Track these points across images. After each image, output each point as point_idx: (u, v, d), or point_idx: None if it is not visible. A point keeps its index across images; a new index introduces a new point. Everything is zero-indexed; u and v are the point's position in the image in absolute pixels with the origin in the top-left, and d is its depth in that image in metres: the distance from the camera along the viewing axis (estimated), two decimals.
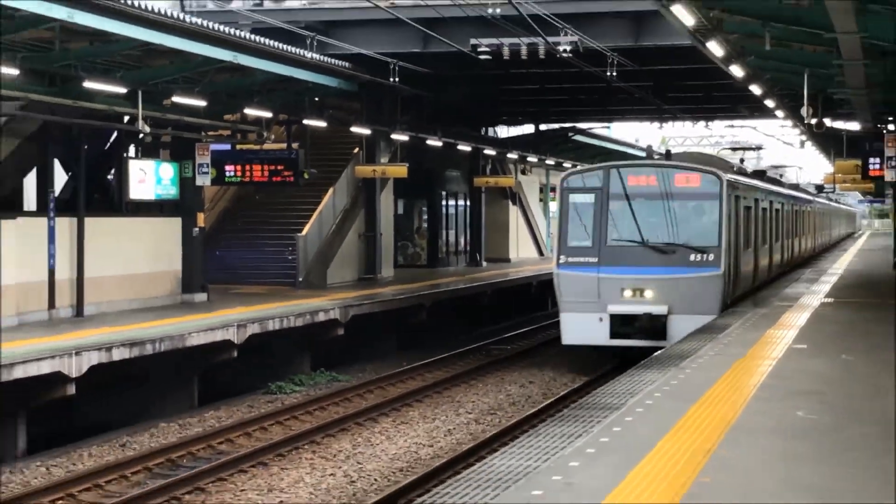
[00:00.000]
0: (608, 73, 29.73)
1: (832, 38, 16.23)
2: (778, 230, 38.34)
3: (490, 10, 25.95)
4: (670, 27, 20.40)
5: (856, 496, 9.35)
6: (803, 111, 24.78)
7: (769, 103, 30.55)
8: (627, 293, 23.96)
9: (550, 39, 26.46)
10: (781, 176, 60.23)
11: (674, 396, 14.07)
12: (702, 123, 51.64)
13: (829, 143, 43.31)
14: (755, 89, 26.63)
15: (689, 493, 9.40)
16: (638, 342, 23.41)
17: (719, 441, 11.39)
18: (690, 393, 14.28)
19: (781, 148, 60.22)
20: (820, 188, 72.51)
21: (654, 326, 23.54)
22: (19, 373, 17.57)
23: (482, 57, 27.54)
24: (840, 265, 49.20)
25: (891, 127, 24.75)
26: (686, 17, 16.39)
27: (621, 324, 23.84)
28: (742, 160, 44.37)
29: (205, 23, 23.63)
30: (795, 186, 57.58)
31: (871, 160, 30.84)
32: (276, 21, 28.79)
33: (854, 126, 33.04)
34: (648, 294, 23.83)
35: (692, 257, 23.91)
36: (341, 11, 29.42)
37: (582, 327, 24.21)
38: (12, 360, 17.61)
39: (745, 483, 9.77)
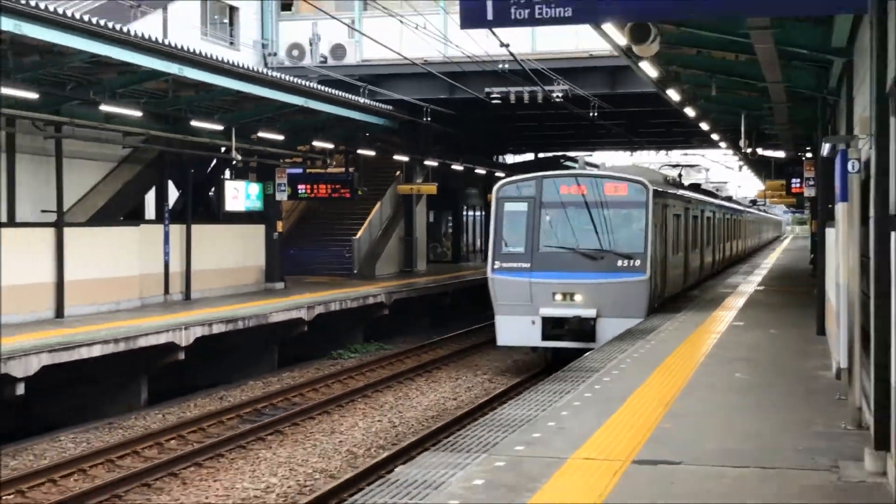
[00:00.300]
0: (591, 114, 29.77)
1: (763, 86, 16.24)
2: (710, 235, 34.21)
3: (500, 66, 25.96)
4: (639, 78, 20.39)
5: (779, 436, 9.43)
6: (741, 143, 24.75)
7: (715, 136, 30.44)
8: (558, 297, 20.18)
9: (546, 88, 26.51)
10: (718, 190, 58.09)
11: (641, 362, 14.14)
12: (663, 152, 51.48)
13: (760, 167, 43.11)
14: (704, 125, 26.55)
15: (653, 435, 9.50)
16: (568, 344, 19.94)
17: (676, 396, 11.47)
18: (654, 359, 14.34)
19: (724, 171, 59.83)
20: (754, 202, 72.64)
21: (584, 329, 19.88)
22: (143, 342, 17.74)
23: (494, 101, 27.60)
24: (769, 261, 49.05)
25: (808, 154, 24.72)
26: (651, 70, 16.40)
27: (552, 326, 20.11)
28: (680, 175, 41.13)
29: (283, 76, 23.78)
30: (729, 198, 55.62)
31: (794, 180, 30.91)
32: (336, 74, 28.93)
33: (780, 154, 32.94)
34: (578, 298, 20.08)
35: (619, 263, 20.21)
36: (386, 66, 29.44)
37: (516, 329, 20.48)
38: (138, 332, 17.78)
39: (696, 428, 9.87)
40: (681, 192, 27.32)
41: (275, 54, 31.59)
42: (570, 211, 20.86)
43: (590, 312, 19.88)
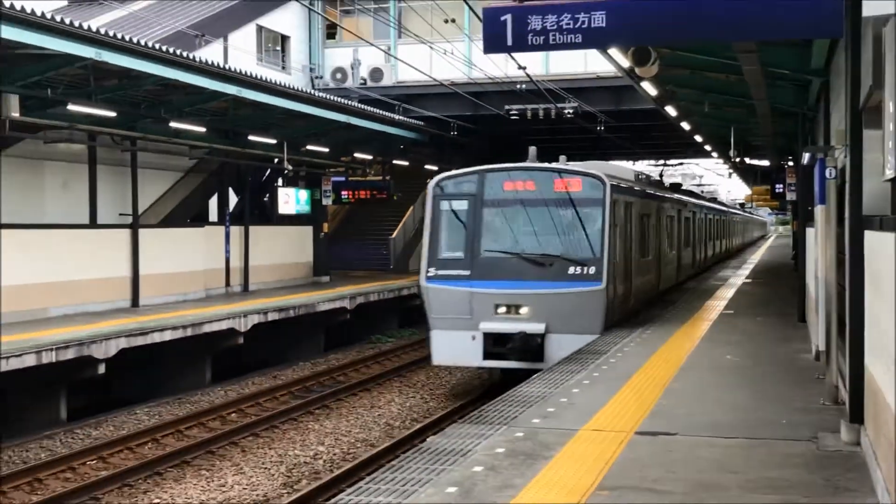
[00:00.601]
0: (598, 127, 29.67)
1: (750, 103, 16.17)
2: (692, 235, 29.24)
3: (518, 86, 25.95)
4: (640, 96, 20.32)
5: (764, 410, 9.41)
6: (730, 153, 24.68)
7: (707, 147, 30.31)
8: (501, 310, 15.38)
9: (559, 105, 26.44)
10: (703, 191, 54.45)
11: (643, 345, 14.11)
12: (662, 161, 51.22)
13: (748, 174, 42.85)
14: (698, 137, 26.46)
15: (653, 410, 9.49)
16: (512, 364, 15.23)
17: (673, 376, 11.44)
18: (654, 344, 14.30)
19: (716, 177, 59.50)
20: (742, 205, 72.46)
21: (530, 347, 15.08)
22: (207, 328, 17.85)
23: (512, 117, 27.55)
24: (756, 257, 48.80)
25: (790, 163, 24.58)
26: (651, 89, 16.36)
27: (495, 343, 15.25)
28: (661, 174, 36.09)
29: (328, 96, 23.85)
30: (714, 199, 52.12)
31: (777, 185, 30.65)
32: (374, 95, 28.98)
33: (765, 162, 32.75)
34: (524, 311, 15.29)
35: (571, 270, 15.33)
36: (418, 87, 29.41)
37: (453, 346, 15.64)
38: (203, 320, 17.89)
39: (690, 403, 9.85)
40: (653, 190, 22.15)
41: (321, 77, 31.70)
42: (517, 210, 16.05)
43: (537, 327, 15.19)
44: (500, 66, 25.75)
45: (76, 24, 14.54)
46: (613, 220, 15.97)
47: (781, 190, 27.91)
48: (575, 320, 15.19)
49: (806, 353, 13.10)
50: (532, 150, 17.73)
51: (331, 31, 32.70)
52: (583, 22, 6.46)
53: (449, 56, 25.72)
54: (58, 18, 14.08)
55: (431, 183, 16.51)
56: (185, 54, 17.42)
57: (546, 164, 17.03)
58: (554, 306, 15.31)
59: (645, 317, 18.02)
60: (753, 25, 6.19)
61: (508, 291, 15.54)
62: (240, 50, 28.45)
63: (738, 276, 30.77)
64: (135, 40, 15.93)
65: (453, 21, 27.77)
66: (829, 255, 10.61)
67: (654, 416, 9.14)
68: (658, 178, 31.34)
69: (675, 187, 31.75)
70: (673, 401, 9.86)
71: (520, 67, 20.54)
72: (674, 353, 13.21)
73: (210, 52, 25.32)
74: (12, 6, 13.20)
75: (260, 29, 30.55)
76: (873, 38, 7.21)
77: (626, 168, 20.90)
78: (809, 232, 15.00)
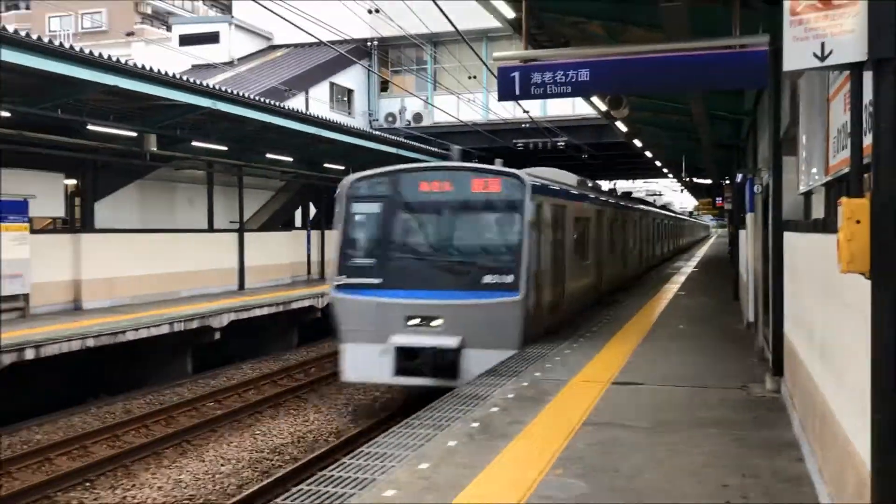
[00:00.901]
0: (583, 155, 29.53)
1: (697, 137, 16.06)
2: (638, 238, 23.85)
3: (523, 125, 25.91)
4: (615, 132, 20.23)
5: (707, 366, 9.35)
6: (682, 174, 24.48)
7: (665, 170, 30.11)
8: (413, 322, 10.91)
9: (553, 139, 26.41)
10: (655, 199, 48.80)
11: (616, 319, 13.98)
12: (631, 181, 50.89)
13: (695, 189, 42.45)
14: (658, 162, 26.29)
15: (627, 362, 9.45)
16: (425, 381, 10.74)
17: (640, 340, 11.38)
18: (626, 317, 14.18)
19: (671, 192, 59.00)
20: (691, 213, 72.02)
21: (443, 362, 10.71)
22: (294, 306, 17.97)
23: (519, 148, 27.50)
24: (702, 252, 48.32)
25: (727, 181, 24.38)
26: (622, 127, 16.26)
27: (406, 358, 10.87)
28: (615, 184, 31.65)
29: (382, 134, 23.93)
30: (664, 206, 46.82)
31: (717, 198, 30.41)
32: (416, 133, 29.03)
33: (708, 181, 32.44)
34: (437, 323, 10.82)
35: (487, 279, 10.84)
36: (448, 127, 29.34)
37: (363, 361, 11.21)
38: (290, 300, 17.99)
39: (654, 359, 9.79)
40: (595, 195, 16.94)
41: (377, 120, 31.76)
42: (432, 213, 11.51)
43: (450, 342, 10.76)
44: (510, 111, 25.73)
45: (198, 82, 14.73)
46: (538, 224, 11.29)
47: (720, 201, 27.69)
48: (490, 334, 10.64)
49: (739, 323, 12.99)
50: (455, 149, 12.77)
51: (384, 86, 32.79)
52: (572, 77, 6.48)
53: (471, 103, 25.73)
54: (185, 78, 14.27)
55: (343, 184, 11.73)
56: (277, 104, 17.55)
57: (464, 164, 12.04)
58: (469, 318, 10.72)
59: (609, 300, 17.35)
60: (699, 81, 6.18)
61: (420, 301, 10.89)
62: (317, 101, 28.59)
63: (688, 266, 30.52)
64: (241, 94, 16.06)
65: (474, 77, 27.81)
66: (756, 250, 10.53)
67: (625, 371, 9.10)
68: (612, 188, 26.23)
69: (626, 196, 27.12)
70: (636, 362, 9.79)
71: (524, 111, 20.53)
72: (638, 327, 13.10)
73: (295, 103, 25.48)
74: (158, 71, 13.43)
75: (332, 85, 30.68)
76: (791, 87, 7.16)
77: (568, 175, 16.37)
78: (742, 233, 14.88)
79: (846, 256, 3.20)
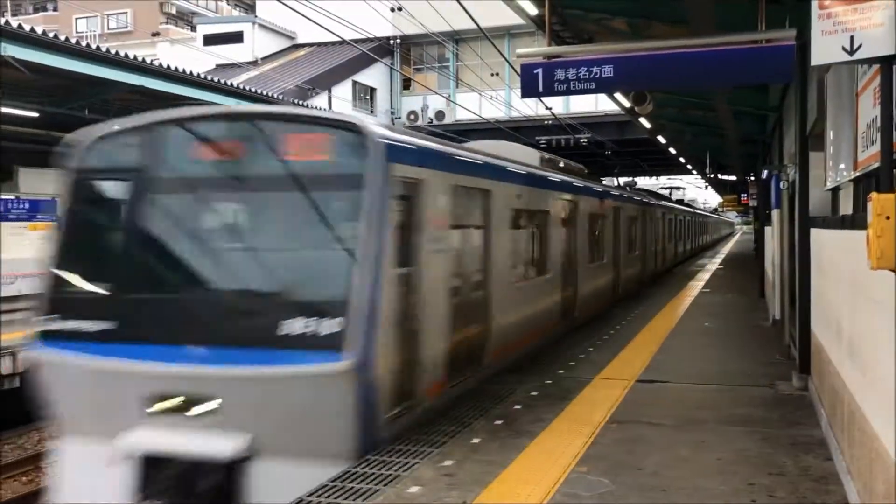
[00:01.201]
0: (606, 152, 29.37)
1: (722, 133, 15.93)
2: (646, 237, 19.34)
3: (546, 122, 25.85)
4: (638, 128, 20.11)
5: (733, 364, 9.29)
6: (707, 170, 24.28)
7: (689, 166, 29.89)
8: (163, 405, 4.74)
9: (576, 136, 26.30)
10: (671, 194, 44.89)
11: (640, 317, 13.94)
12: (655, 177, 50.52)
13: (720, 186, 42.11)
14: (682, 159, 26.10)
15: (651, 360, 9.42)
16: None
17: (664, 338, 11.34)
18: (649, 315, 14.14)
19: (697, 190, 58.54)
20: (715, 209, 71.59)
21: (216, 483, 4.67)
22: None
23: (542, 145, 27.40)
24: (726, 249, 47.92)
25: (752, 177, 24.08)
26: (646, 123, 16.17)
27: (149, 472, 4.73)
28: (618, 175, 28.14)
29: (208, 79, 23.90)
30: (680, 201, 42.16)
31: (742, 195, 30.16)
32: (439, 131, 28.98)
33: (733, 177, 32.17)
34: (204, 409, 4.68)
35: (299, 325, 4.62)
36: (470, 124, 29.25)
37: (80, 472, 4.97)
38: None
39: (678, 357, 9.75)
40: (582, 182, 12.32)
41: (399, 118, 31.82)
42: (205, 202, 5.67)
43: (228, 445, 5.11)
44: (532, 108, 25.66)
45: (222, 81, 14.86)
46: (411, 219, 6.00)
47: (745, 198, 27.46)
48: (299, 432, 5.25)
49: (765, 321, 12.88)
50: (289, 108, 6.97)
51: (406, 84, 32.87)
52: (595, 73, 6.45)
53: (494, 100, 25.72)
54: (210, 77, 14.41)
55: (72, 145, 6.26)
56: (300, 103, 17.65)
57: (266, 109, 6.51)
58: (263, 401, 5.25)
59: (645, 292, 17.65)
60: (725, 76, 6.12)
61: (174, 368, 5.29)
62: (340, 99, 28.71)
63: (713, 264, 30.29)
64: (264, 93, 16.18)
65: (497, 74, 27.75)
66: (783, 247, 10.43)
67: (649, 369, 9.06)
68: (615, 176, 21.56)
69: (630, 187, 24.57)
70: (665, 356, 9.75)
71: (547, 108, 20.51)
72: (665, 322, 13.05)
73: (319, 101, 25.61)
74: (183, 70, 13.59)
75: (355, 83, 30.80)
76: (817, 82, 7.08)
77: (529, 150, 11.47)
78: (767, 230, 14.74)
79: (876, 253, 3.17)
